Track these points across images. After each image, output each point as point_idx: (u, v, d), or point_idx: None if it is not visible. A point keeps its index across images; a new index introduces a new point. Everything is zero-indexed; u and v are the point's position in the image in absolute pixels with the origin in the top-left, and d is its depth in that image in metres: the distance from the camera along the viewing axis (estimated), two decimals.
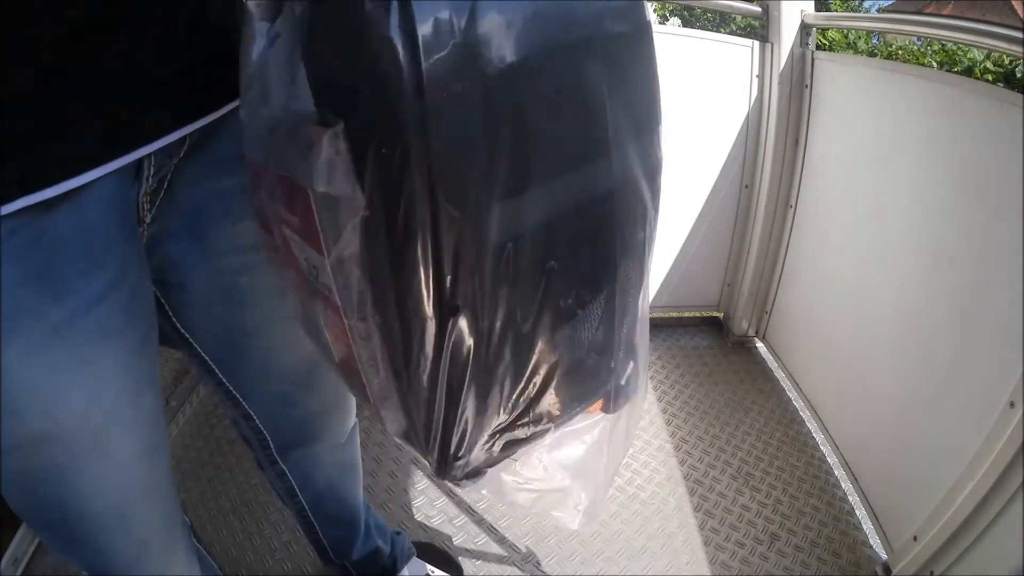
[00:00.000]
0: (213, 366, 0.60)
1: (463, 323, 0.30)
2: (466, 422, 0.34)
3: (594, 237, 0.34)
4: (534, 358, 0.34)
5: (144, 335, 0.45)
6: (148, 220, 0.45)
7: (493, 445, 0.37)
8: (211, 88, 0.44)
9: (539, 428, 0.39)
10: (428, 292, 0.29)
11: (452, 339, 0.30)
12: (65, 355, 0.38)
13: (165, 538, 0.55)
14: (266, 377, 0.63)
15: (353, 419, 0.77)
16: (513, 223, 0.29)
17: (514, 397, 0.35)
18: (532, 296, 0.32)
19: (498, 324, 0.31)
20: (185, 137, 0.43)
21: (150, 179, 0.43)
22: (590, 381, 0.39)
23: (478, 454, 0.37)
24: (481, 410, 0.34)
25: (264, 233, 0.41)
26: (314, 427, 0.72)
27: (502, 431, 0.37)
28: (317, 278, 0.34)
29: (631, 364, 0.42)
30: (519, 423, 0.37)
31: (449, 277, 0.29)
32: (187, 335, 0.56)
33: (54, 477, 0.42)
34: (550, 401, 0.37)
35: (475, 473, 0.38)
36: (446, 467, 0.36)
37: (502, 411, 0.35)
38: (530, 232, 0.30)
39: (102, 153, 0.37)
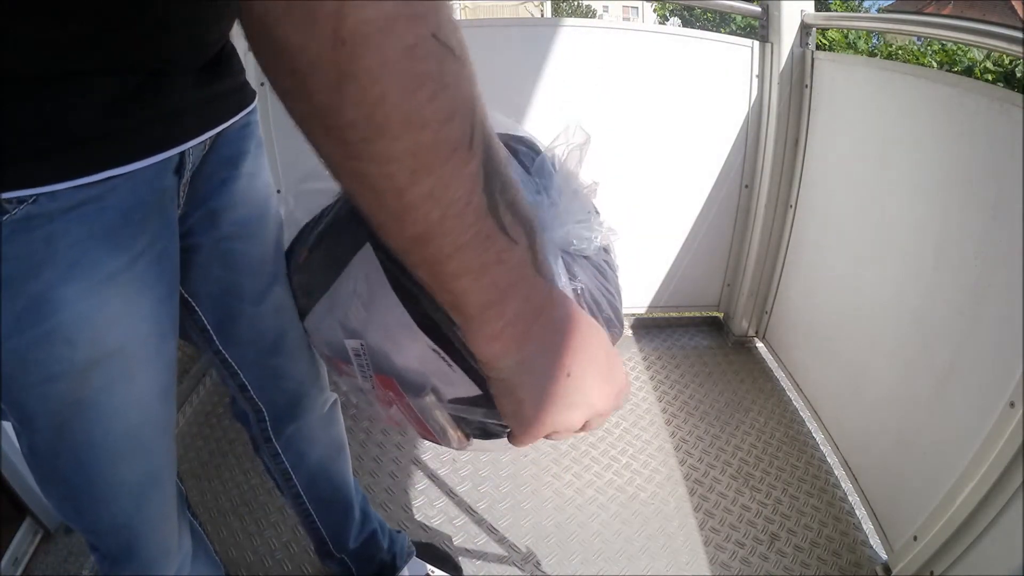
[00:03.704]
0: (211, 332, 0.69)
1: None
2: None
3: None
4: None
5: (168, 290, 0.55)
6: (181, 204, 0.57)
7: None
8: (227, 102, 0.58)
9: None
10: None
11: None
12: (113, 296, 0.48)
13: (170, 478, 0.62)
14: (255, 344, 0.71)
15: (329, 393, 0.85)
16: None
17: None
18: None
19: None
20: (207, 140, 0.56)
21: (187, 172, 0.55)
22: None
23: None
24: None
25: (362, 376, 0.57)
26: (303, 398, 0.80)
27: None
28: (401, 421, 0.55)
29: None
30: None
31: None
32: (191, 301, 0.66)
33: (87, 403, 0.50)
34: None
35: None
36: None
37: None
38: None
39: (158, 146, 0.48)
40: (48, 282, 0.44)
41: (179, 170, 0.54)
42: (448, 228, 0.27)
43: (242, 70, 0.63)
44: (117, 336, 0.49)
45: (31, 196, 0.41)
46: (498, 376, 0.36)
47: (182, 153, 0.52)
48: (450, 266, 0.29)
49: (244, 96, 0.62)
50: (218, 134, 0.58)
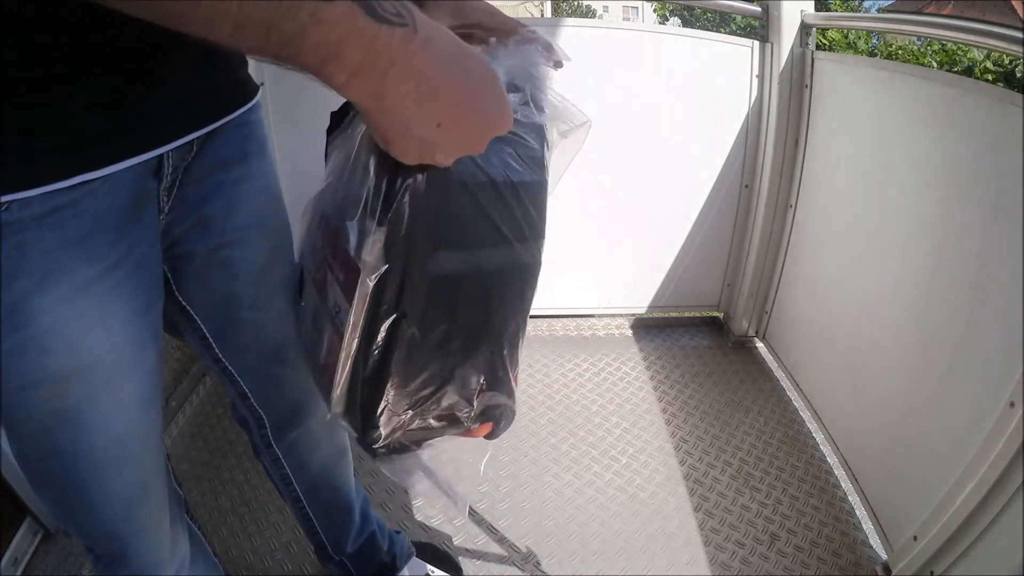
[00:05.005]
0: (211, 340, 0.67)
1: (401, 327, 0.45)
2: (387, 400, 0.48)
3: (494, 295, 0.49)
4: (439, 371, 0.49)
5: (148, 300, 0.54)
6: (166, 210, 0.55)
7: (401, 426, 0.51)
8: (217, 101, 0.55)
9: (435, 430, 0.53)
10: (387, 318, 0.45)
11: (390, 337, 0.45)
12: (89, 305, 0.47)
13: (160, 487, 0.61)
14: (256, 351, 0.69)
15: None
16: (442, 268, 0.45)
17: (420, 394, 0.49)
18: (445, 325, 0.47)
19: (417, 336, 0.46)
20: (193, 142, 0.53)
21: (167, 176, 0.52)
22: (486, 411, 0.54)
23: (390, 432, 0.51)
24: (398, 397, 0.49)
25: (315, 267, 0.55)
26: (305, 406, 0.77)
27: (409, 420, 0.51)
28: (337, 312, 0.49)
29: (510, 405, 0.56)
30: (424, 420, 0.51)
31: (399, 296, 0.44)
32: (188, 308, 0.64)
33: (68, 413, 0.49)
34: (450, 414, 0.52)
35: (390, 449, 0.54)
36: (366, 433, 0.50)
37: (410, 400, 0.49)
38: (457, 276, 0.46)
39: (133, 150, 0.47)
40: (22, 291, 0.43)
41: (158, 174, 0.51)
42: (249, 15, 0.29)
43: (243, 63, 0.58)
44: (95, 346, 0.48)
45: (3, 204, 0.40)
46: (368, 116, 0.36)
47: (161, 156, 0.50)
48: (271, 41, 0.30)
49: (241, 92, 0.58)
50: (212, 134, 0.55)
